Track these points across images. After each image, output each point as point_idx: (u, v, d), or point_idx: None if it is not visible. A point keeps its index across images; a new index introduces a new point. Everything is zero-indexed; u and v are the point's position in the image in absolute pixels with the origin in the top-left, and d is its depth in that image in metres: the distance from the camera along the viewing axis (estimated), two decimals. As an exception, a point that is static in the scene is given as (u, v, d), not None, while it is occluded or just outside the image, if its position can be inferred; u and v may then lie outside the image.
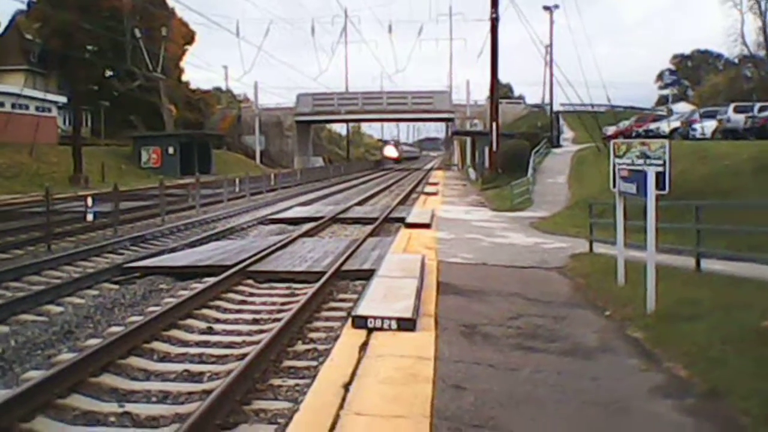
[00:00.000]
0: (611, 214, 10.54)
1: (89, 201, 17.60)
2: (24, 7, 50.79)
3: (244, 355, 7.01)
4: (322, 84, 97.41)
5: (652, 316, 7.50)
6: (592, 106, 40.10)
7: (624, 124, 40.12)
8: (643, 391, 5.48)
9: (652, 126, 36.26)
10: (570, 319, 7.86)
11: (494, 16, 33.75)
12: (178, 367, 7.08)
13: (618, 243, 9.34)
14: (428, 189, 33.98)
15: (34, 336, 8.16)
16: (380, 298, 8.00)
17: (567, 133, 50.88)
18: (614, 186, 9.62)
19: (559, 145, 44.64)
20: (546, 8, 47.18)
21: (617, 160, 9.90)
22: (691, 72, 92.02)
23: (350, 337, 6.83)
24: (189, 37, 63.85)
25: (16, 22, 54.55)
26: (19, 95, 40.98)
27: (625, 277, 9.21)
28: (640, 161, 9.69)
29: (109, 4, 47.73)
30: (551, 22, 47.18)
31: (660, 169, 9.20)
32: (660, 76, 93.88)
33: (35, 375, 6.55)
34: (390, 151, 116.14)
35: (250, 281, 11.36)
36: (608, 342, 6.87)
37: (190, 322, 8.82)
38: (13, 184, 31.25)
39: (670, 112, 43.77)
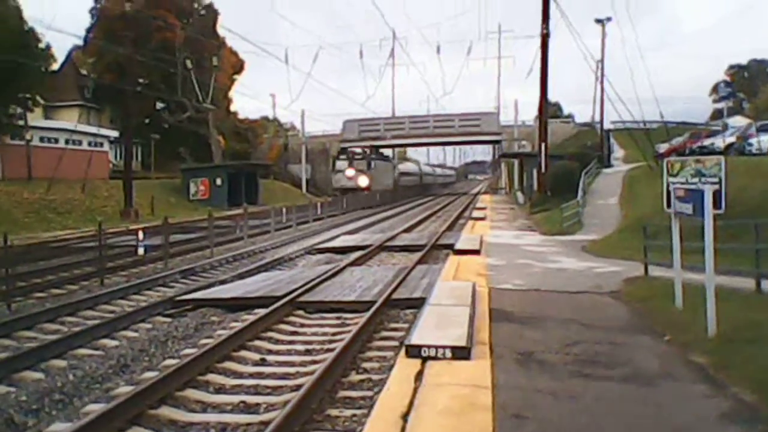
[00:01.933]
0: (666, 235, 10.29)
1: (140, 235, 17.92)
2: (80, 42, 52.42)
3: (299, 386, 7.03)
4: (370, 109, 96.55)
5: (713, 339, 7.27)
6: (644, 123, 39.31)
7: (677, 140, 39.26)
8: (710, 418, 5.30)
9: (707, 142, 35.36)
10: (629, 344, 7.66)
11: (545, 31, 33.15)
12: (235, 398, 7.12)
13: (675, 265, 9.11)
14: (476, 214, 33.70)
15: (91, 370, 8.29)
16: (433, 327, 7.90)
17: (618, 152, 50.06)
18: (669, 206, 9.40)
19: (609, 165, 43.85)
20: (598, 21, 45.83)
21: (671, 179, 9.71)
22: (747, 83, 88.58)
23: (405, 367, 6.74)
24: (238, 67, 64.83)
25: (72, 58, 56.14)
26: (73, 131, 42.13)
27: (684, 300, 8.96)
28: (695, 180, 9.49)
29: (162, 36, 48.86)
30: (603, 36, 45.94)
31: (716, 187, 8.97)
32: (715, 89, 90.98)
33: (95, 408, 6.63)
34: (351, 176, 60.46)
35: (300, 312, 11.41)
36: (670, 368, 6.66)
37: (243, 353, 8.88)
38: (67, 219, 32.00)
39: (726, 127, 42.67)
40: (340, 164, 60.84)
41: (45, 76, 40.57)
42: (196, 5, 59.36)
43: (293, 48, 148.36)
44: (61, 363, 8.75)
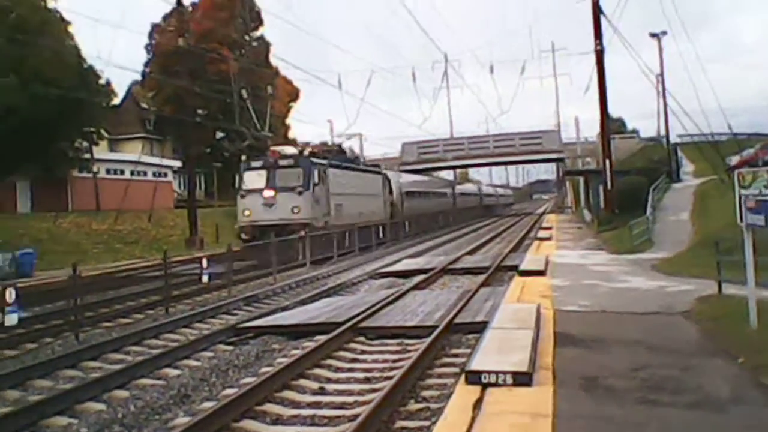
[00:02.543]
0: (741, 251, 9.83)
1: (204, 263, 18.07)
2: (139, 77, 54.15)
3: (356, 416, 6.88)
4: (427, 131, 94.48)
5: (789, 361, 6.88)
6: (712, 135, 38.12)
7: (748, 152, 37.93)
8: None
9: (780, 152, 34.09)
10: (699, 368, 7.29)
11: (599, 48, 32.77)
12: (291, 429, 7.06)
13: (748, 282, 8.68)
14: (541, 234, 33.17)
15: (152, 400, 8.32)
16: (494, 352, 7.68)
17: (687, 166, 48.70)
18: (741, 219, 8.99)
19: (679, 180, 42.65)
20: (653, 35, 44.75)
21: (743, 191, 9.27)
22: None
23: (464, 394, 6.55)
24: (294, 94, 65.80)
25: (132, 93, 58.02)
26: (138, 162, 43.41)
27: (759, 319, 8.51)
28: (769, 191, 9.02)
29: (217, 68, 49.99)
30: (660, 50, 44.91)
31: (790, 197, 8.52)
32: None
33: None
34: (269, 197, 28.08)
35: (361, 338, 11.29)
36: (741, 392, 6.30)
37: (302, 382, 8.80)
38: (134, 249, 32.81)
39: (798, 136, 41.06)
40: (251, 177, 29.47)
41: (107, 111, 42.00)
42: (247, 37, 60.62)
43: (346, 74, 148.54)
44: (123, 393, 8.82)
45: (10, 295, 11.20)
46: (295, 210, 27.82)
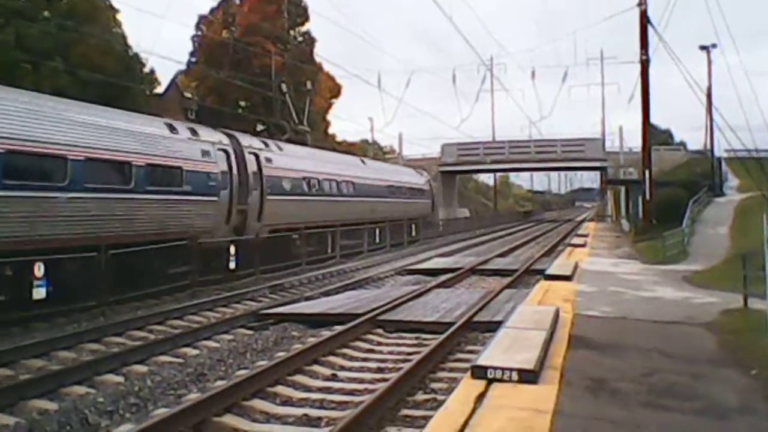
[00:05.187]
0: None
1: (232, 249, 18.18)
2: (183, 66, 54.93)
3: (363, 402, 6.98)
4: (465, 133, 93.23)
5: (803, 375, 6.78)
6: (757, 151, 37.37)
7: (795, 168, 37.11)
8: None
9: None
10: (711, 377, 7.23)
11: (644, 58, 32.31)
12: (298, 411, 7.18)
13: (767, 296, 8.56)
14: (576, 241, 32.87)
15: (169, 376, 8.53)
16: (504, 349, 7.70)
17: (732, 181, 47.83)
18: (768, 235, 8.88)
19: (722, 194, 41.91)
20: (702, 48, 43.71)
21: (778, 207, 9.16)
22: None
23: (468, 387, 6.59)
24: (335, 91, 65.83)
25: (177, 82, 58.76)
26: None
27: (778, 333, 8.40)
28: (806, 208, 8.90)
29: (261, 62, 50.38)
30: (709, 63, 43.97)
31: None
32: None
33: (163, 412, 6.83)
34: None
35: (379, 330, 11.39)
36: (749, 402, 6.24)
37: (315, 368, 8.94)
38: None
39: None
40: None
41: (151, 98, 42.54)
42: (292, 32, 60.92)
43: (390, 73, 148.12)
44: (141, 368, 9.08)
45: (39, 269, 11.52)
46: None
